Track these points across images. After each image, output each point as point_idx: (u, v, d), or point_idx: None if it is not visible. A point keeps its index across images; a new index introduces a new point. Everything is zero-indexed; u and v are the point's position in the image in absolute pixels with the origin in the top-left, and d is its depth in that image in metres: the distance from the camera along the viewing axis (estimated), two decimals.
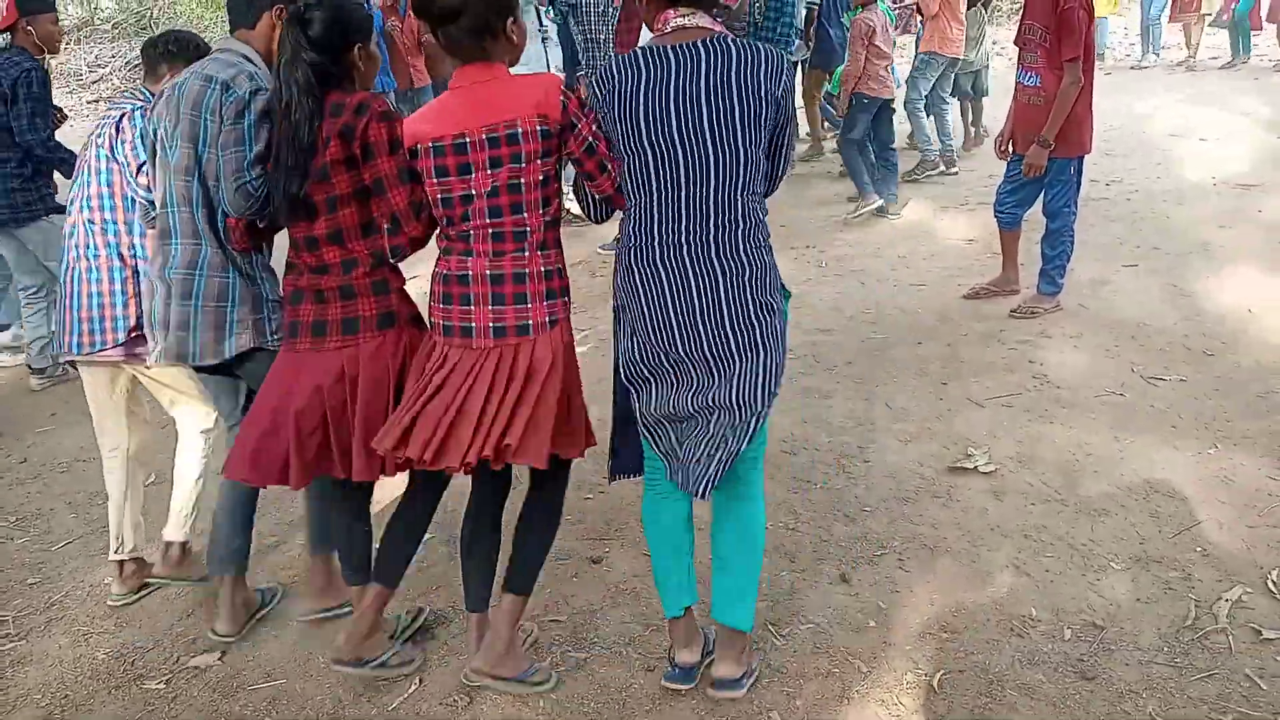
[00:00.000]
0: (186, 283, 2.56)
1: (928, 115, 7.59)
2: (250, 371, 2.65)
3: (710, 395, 2.26)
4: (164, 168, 2.59)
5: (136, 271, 2.92)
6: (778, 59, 2.20)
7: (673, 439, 2.35)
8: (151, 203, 2.74)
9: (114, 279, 2.92)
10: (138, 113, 2.90)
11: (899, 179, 6.86)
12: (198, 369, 2.72)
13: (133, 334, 2.90)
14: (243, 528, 2.84)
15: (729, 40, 2.20)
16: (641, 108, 2.19)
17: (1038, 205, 4.77)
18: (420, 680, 2.62)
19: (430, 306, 2.37)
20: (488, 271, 2.26)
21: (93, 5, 19.28)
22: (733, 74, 2.16)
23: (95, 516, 3.62)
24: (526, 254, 2.26)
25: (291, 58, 2.28)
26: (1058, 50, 4.32)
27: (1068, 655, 2.54)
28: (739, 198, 2.21)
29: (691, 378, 2.29)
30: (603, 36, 6.81)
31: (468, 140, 2.21)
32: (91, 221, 2.95)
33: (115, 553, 3.07)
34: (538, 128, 2.19)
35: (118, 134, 2.91)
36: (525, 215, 2.25)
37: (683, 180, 2.20)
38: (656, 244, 2.24)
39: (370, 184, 2.33)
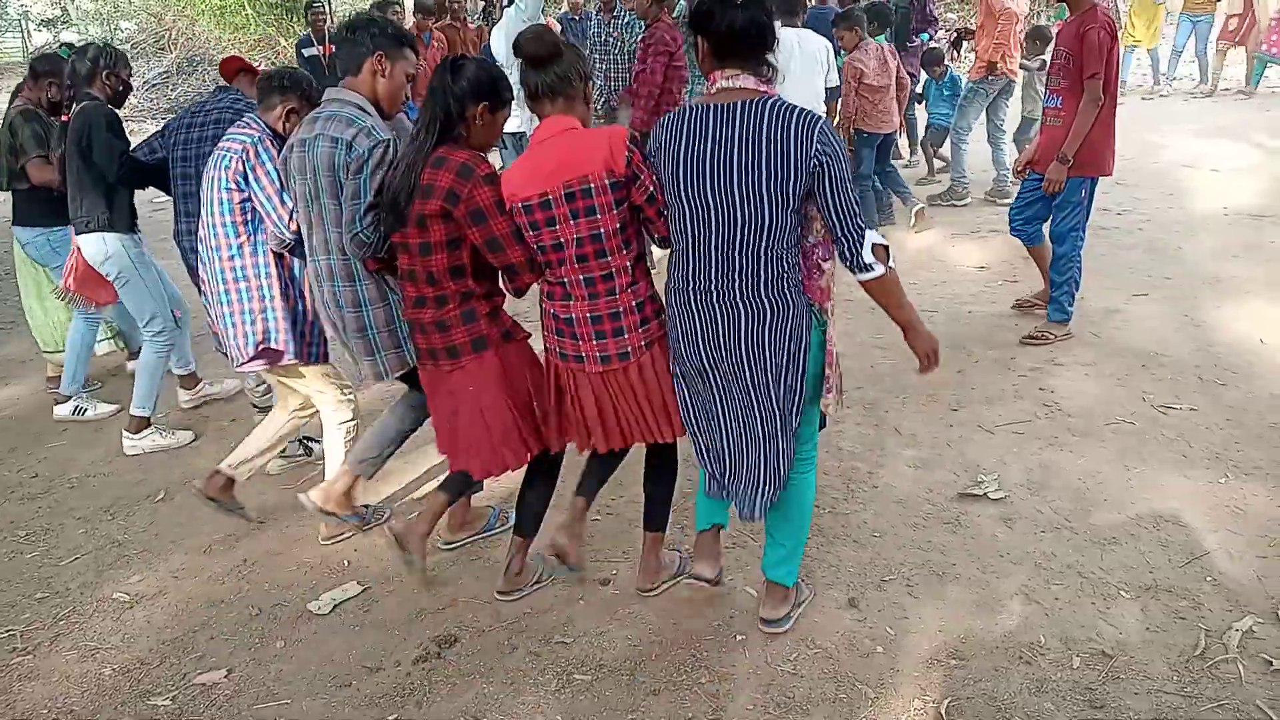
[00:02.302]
0: (358, 319, 2.94)
1: (989, 144, 7.62)
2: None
3: (743, 423, 2.54)
4: (316, 221, 2.88)
5: (261, 291, 3.20)
6: (812, 122, 2.26)
7: (717, 448, 2.62)
8: (294, 244, 3.10)
9: (242, 300, 3.21)
10: (263, 150, 3.10)
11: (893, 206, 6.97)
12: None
13: (260, 348, 3.22)
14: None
15: (768, 103, 2.30)
16: (680, 165, 2.37)
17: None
18: (419, 705, 2.62)
19: (545, 335, 2.70)
20: (588, 314, 2.56)
21: (112, 26, 19.58)
22: (764, 138, 2.27)
23: (104, 532, 3.63)
24: (618, 295, 2.54)
25: (439, 91, 2.56)
26: (1080, 72, 4.38)
27: (1077, 684, 2.52)
28: (764, 253, 2.36)
29: (723, 400, 2.54)
30: (602, 69, 6.91)
31: (550, 197, 2.46)
32: (216, 248, 3.20)
33: (227, 465, 3.39)
34: (606, 182, 2.43)
35: (247, 171, 3.11)
36: (610, 259, 2.51)
37: (712, 234, 2.38)
38: (690, 288, 2.46)
39: (484, 242, 2.58)
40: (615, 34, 6.88)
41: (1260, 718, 2.37)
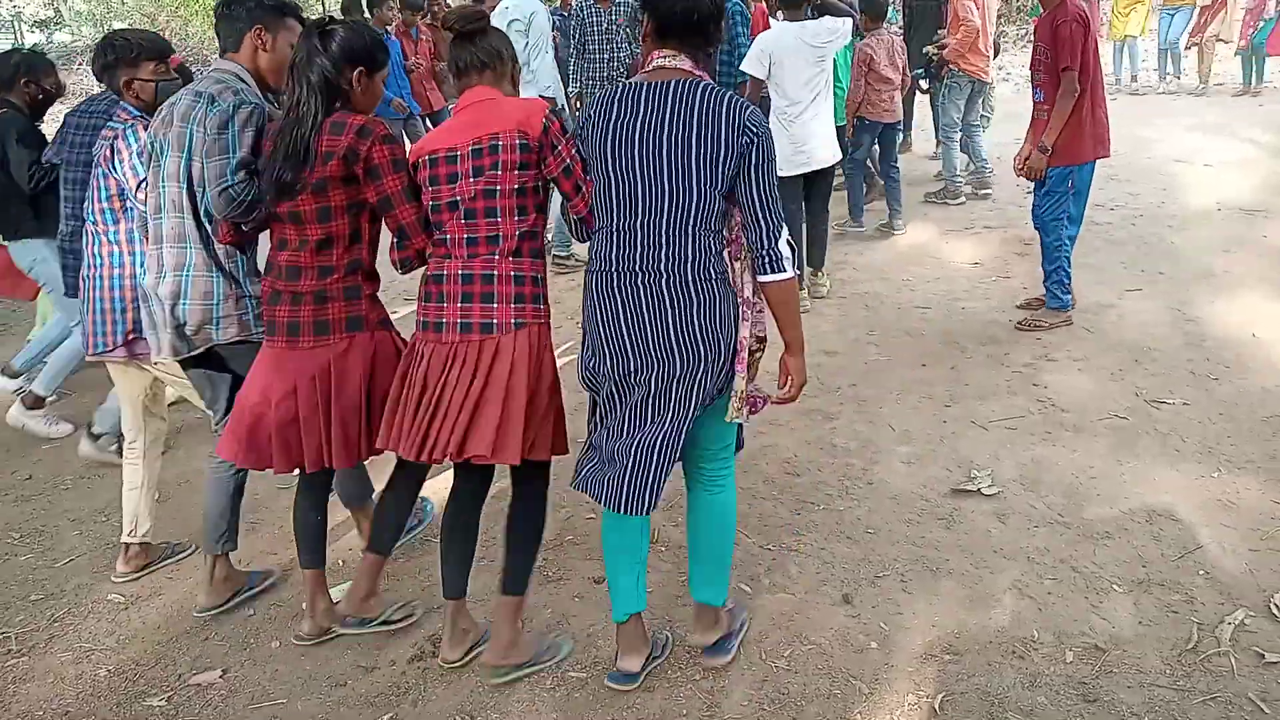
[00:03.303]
0: (176, 283, 2.77)
1: (965, 136, 7.54)
2: (238, 362, 2.85)
3: (651, 415, 2.39)
4: (158, 178, 2.77)
5: (135, 280, 3.09)
6: (742, 108, 2.26)
7: (612, 449, 2.44)
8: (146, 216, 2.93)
9: (113, 288, 3.12)
10: (129, 131, 3.05)
11: (901, 200, 6.91)
12: (188, 361, 2.90)
13: (129, 337, 3.12)
14: (230, 510, 3.03)
15: (700, 85, 2.30)
16: (609, 138, 2.33)
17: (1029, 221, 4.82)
18: (415, 704, 2.62)
19: (417, 304, 2.52)
20: (460, 271, 2.43)
21: (105, 27, 19.54)
22: (694, 115, 2.26)
23: (99, 533, 3.63)
24: (497, 258, 2.42)
25: (306, 60, 2.47)
26: (1056, 65, 4.45)
27: (1070, 678, 2.53)
28: (692, 232, 2.30)
29: (639, 399, 2.39)
30: (592, 48, 6.83)
31: (458, 153, 2.42)
32: (96, 235, 3.15)
33: (128, 535, 3.30)
34: (516, 141, 2.38)
35: (113, 154, 3.06)
36: (499, 220, 2.42)
37: (640, 210, 2.32)
38: (614, 268, 2.36)
39: (377, 201, 2.52)
40: (618, 21, 6.81)
41: (1252, 710, 2.38)
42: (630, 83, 2.36)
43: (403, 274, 2.63)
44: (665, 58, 2.34)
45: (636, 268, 2.32)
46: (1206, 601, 2.79)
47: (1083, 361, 4.49)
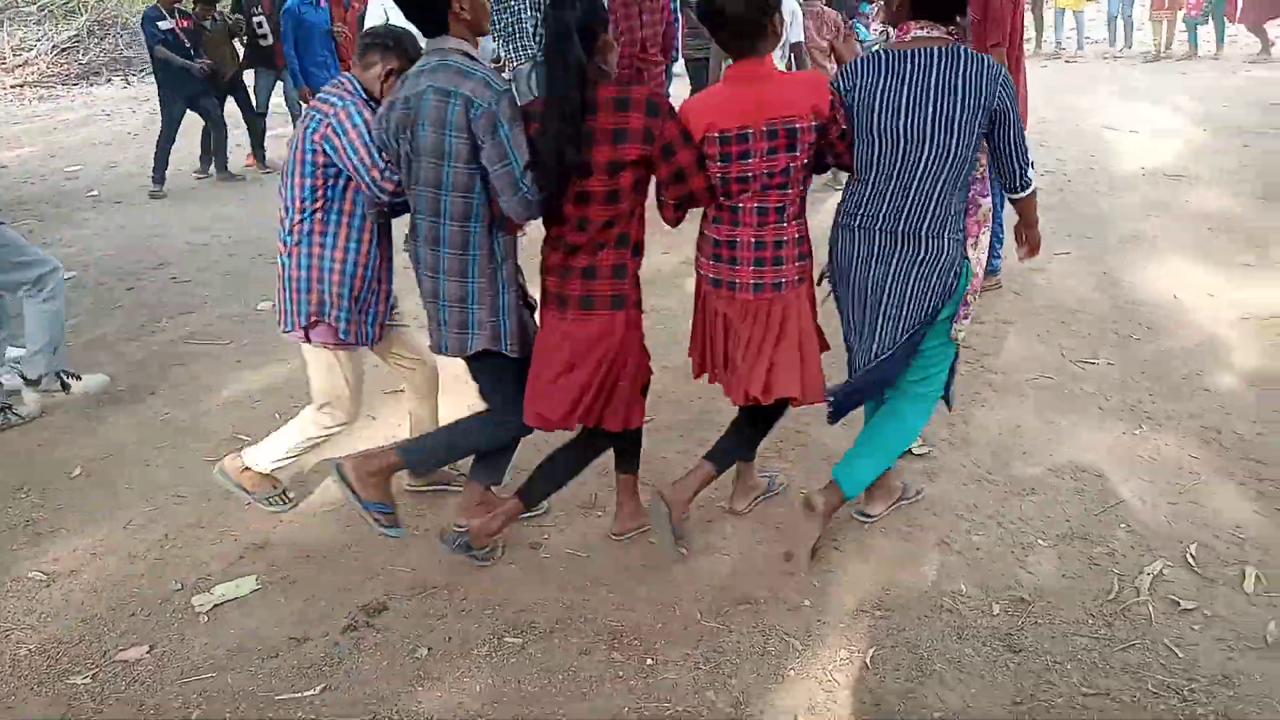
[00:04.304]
0: (432, 284, 2.74)
1: None
2: (487, 369, 2.85)
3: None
4: (414, 179, 2.66)
5: (321, 260, 3.00)
6: (997, 71, 2.50)
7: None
8: (394, 204, 2.88)
9: (300, 267, 3.02)
10: (355, 111, 2.87)
11: None
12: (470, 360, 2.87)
13: (312, 319, 3.03)
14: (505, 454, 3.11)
15: (960, 49, 2.50)
16: (875, 101, 2.55)
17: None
18: (348, 674, 2.59)
19: (700, 261, 2.78)
20: (752, 239, 2.65)
21: None
22: (957, 79, 2.48)
23: (17, 510, 3.52)
24: (785, 224, 2.65)
25: (560, 42, 2.44)
26: (984, 37, 4.44)
27: (996, 630, 2.60)
28: (938, 189, 2.56)
29: (863, 327, 2.79)
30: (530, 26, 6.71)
31: (750, 131, 2.54)
32: (290, 209, 3.01)
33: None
34: (813, 123, 2.55)
35: (336, 132, 2.87)
36: (789, 191, 2.62)
37: (896, 167, 2.58)
38: (859, 215, 2.68)
39: (669, 174, 2.58)
40: None
41: (1168, 655, 2.47)
42: (891, 51, 2.56)
43: (673, 227, 2.84)
44: (922, 29, 2.54)
45: (880, 217, 2.63)
46: (1127, 553, 2.88)
47: (1011, 324, 4.57)
